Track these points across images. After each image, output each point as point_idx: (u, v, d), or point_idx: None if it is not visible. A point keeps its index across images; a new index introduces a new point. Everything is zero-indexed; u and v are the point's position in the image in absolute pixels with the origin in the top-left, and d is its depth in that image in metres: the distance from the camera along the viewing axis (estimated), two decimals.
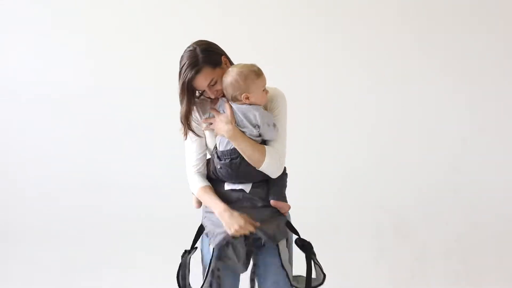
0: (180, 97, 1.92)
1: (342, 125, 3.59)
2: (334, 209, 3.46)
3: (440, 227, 3.55)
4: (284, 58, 3.41)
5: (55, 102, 3.69)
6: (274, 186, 1.94)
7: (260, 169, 1.87)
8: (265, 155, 1.86)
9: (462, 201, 3.57)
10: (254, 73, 1.88)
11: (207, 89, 1.91)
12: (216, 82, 1.90)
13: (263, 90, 1.90)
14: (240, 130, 1.87)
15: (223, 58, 1.94)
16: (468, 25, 3.60)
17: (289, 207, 1.97)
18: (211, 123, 1.93)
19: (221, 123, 1.87)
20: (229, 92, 1.88)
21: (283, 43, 3.46)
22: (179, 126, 1.97)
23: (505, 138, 3.59)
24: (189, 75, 1.86)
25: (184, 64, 1.89)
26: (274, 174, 1.90)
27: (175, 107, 3.68)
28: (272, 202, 1.92)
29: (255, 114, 1.86)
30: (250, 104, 1.88)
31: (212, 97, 1.94)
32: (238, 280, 2.02)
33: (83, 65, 3.68)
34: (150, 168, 3.64)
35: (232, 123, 1.86)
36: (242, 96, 1.87)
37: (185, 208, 3.52)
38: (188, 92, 1.90)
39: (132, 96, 3.67)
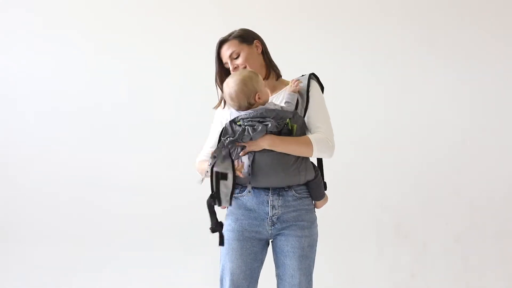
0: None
1: (342, 124, 3.58)
2: (334, 209, 3.45)
3: (440, 227, 3.55)
4: (284, 58, 3.42)
5: (53, 102, 3.69)
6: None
7: (314, 156, 1.91)
8: (311, 145, 1.87)
9: (462, 201, 3.57)
10: (254, 73, 1.91)
11: (228, 62, 2.00)
12: (238, 56, 1.99)
13: (265, 87, 1.93)
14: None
15: (256, 41, 2.03)
16: (468, 25, 3.60)
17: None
18: (243, 147, 1.87)
19: (257, 141, 1.85)
20: (241, 100, 1.87)
21: (283, 43, 3.47)
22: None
23: (505, 138, 3.59)
24: (217, 46, 2.03)
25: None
26: (328, 156, 1.94)
27: (175, 107, 3.70)
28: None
29: (270, 109, 1.87)
30: (262, 105, 1.88)
31: (231, 71, 1.99)
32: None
33: (81, 65, 3.68)
34: (151, 168, 3.65)
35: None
36: (256, 96, 1.87)
37: (185, 208, 3.55)
38: (219, 62, 2.04)
39: (132, 96, 3.68)
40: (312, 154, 1.89)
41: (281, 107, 1.90)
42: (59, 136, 3.69)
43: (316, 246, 1.99)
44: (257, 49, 2.03)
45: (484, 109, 3.61)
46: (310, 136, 1.90)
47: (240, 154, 1.86)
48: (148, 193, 3.63)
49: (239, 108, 1.89)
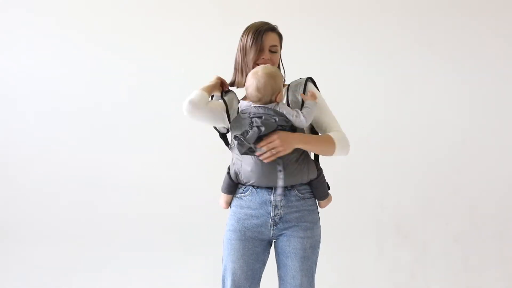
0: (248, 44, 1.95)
1: (342, 124, 3.58)
2: (334, 209, 3.45)
3: (440, 227, 3.55)
4: (283, 57, 3.42)
5: (53, 102, 3.69)
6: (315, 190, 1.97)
7: (334, 155, 1.91)
8: (334, 143, 1.89)
9: (462, 201, 3.57)
10: (279, 72, 1.92)
11: (267, 50, 1.93)
12: (276, 52, 1.96)
13: None
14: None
15: (281, 49, 2.04)
16: (468, 25, 3.60)
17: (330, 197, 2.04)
18: (270, 146, 1.81)
19: (285, 140, 1.80)
20: (267, 93, 1.84)
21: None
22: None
23: (505, 138, 3.59)
24: (264, 30, 1.94)
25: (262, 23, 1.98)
26: (346, 153, 1.94)
27: (176, 107, 3.69)
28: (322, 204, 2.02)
29: (283, 109, 1.85)
30: (276, 103, 1.87)
31: (262, 61, 1.93)
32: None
33: (81, 65, 3.68)
34: (151, 168, 3.65)
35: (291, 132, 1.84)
36: (278, 96, 1.86)
37: (185, 208, 3.55)
38: (257, 40, 1.93)
39: (131, 96, 3.68)
40: (334, 152, 1.90)
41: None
42: (59, 136, 3.69)
43: (319, 247, 1.98)
44: (279, 59, 2.03)
45: (484, 109, 3.61)
46: (330, 134, 1.92)
47: (258, 146, 1.81)
48: (148, 193, 3.63)
49: (259, 101, 1.86)
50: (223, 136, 2.01)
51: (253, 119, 1.81)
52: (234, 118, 1.89)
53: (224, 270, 1.96)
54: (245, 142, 1.79)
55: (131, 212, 3.61)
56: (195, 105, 1.84)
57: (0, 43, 3.71)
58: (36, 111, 3.70)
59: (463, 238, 3.51)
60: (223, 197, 2.00)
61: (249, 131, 1.81)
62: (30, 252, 3.55)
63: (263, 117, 1.80)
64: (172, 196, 3.59)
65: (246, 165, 1.88)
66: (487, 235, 3.51)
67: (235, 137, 1.83)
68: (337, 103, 3.54)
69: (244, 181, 1.92)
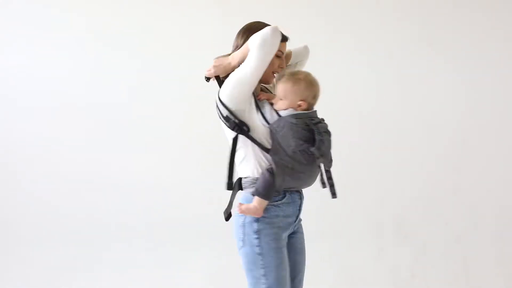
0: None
1: (342, 124, 3.58)
2: (334, 209, 3.46)
3: (440, 227, 3.55)
4: None
5: (54, 102, 3.69)
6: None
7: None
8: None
9: (462, 201, 3.57)
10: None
11: (279, 55, 1.88)
12: (279, 57, 1.89)
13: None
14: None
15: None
16: (469, 25, 3.61)
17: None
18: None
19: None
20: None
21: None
22: None
23: (505, 138, 3.59)
24: (282, 38, 1.84)
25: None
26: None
27: (176, 107, 3.70)
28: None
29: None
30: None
31: (271, 66, 1.82)
32: None
33: (82, 64, 3.69)
34: (151, 168, 3.65)
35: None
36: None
37: (186, 208, 3.55)
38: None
39: (132, 96, 3.68)
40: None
41: None
42: (59, 136, 3.69)
43: None
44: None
45: (484, 109, 3.61)
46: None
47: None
48: (148, 193, 3.63)
49: (311, 107, 1.84)
50: (240, 129, 1.77)
51: (318, 125, 1.78)
52: (290, 129, 1.74)
53: (276, 280, 1.76)
54: (320, 154, 1.71)
55: (131, 212, 3.61)
56: (274, 40, 1.75)
57: (0, 42, 3.71)
58: (36, 111, 3.70)
59: (463, 238, 3.51)
60: (262, 203, 1.74)
61: (323, 141, 1.73)
62: (30, 252, 3.55)
63: (321, 122, 1.82)
64: (172, 196, 3.58)
65: (298, 169, 1.74)
66: (487, 235, 3.51)
67: (304, 151, 1.71)
68: (337, 103, 3.58)
69: (290, 185, 1.78)
